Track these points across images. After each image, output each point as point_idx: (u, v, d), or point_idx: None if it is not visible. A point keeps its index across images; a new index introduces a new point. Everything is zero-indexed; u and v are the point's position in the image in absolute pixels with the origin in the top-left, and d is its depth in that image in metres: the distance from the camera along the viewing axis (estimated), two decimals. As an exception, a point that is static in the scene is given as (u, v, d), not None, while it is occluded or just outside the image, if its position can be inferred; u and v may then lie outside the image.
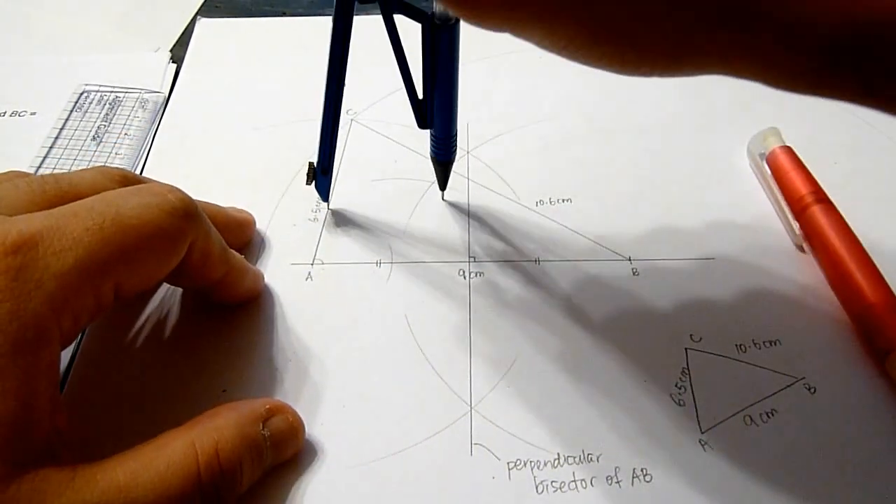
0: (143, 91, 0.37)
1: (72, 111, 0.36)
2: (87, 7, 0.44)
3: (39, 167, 0.34)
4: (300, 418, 0.23)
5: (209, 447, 0.20)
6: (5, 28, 0.42)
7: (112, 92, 0.37)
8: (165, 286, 0.28)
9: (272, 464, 0.22)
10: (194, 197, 0.23)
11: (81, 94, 0.37)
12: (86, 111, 0.36)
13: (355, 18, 0.24)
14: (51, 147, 0.34)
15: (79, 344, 0.27)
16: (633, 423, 0.24)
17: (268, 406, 0.22)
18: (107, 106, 0.36)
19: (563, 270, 0.29)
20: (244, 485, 0.21)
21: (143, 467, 0.19)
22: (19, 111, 0.37)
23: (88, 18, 0.43)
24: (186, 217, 0.22)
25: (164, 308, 0.28)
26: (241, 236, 0.29)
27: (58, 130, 0.35)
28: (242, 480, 0.21)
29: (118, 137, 0.35)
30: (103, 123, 0.36)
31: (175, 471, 0.19)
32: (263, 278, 0.28)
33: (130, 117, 0.36)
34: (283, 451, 0.23)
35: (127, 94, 0.37)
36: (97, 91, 0.37)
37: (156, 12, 0.43)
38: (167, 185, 0.23)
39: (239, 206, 0.30)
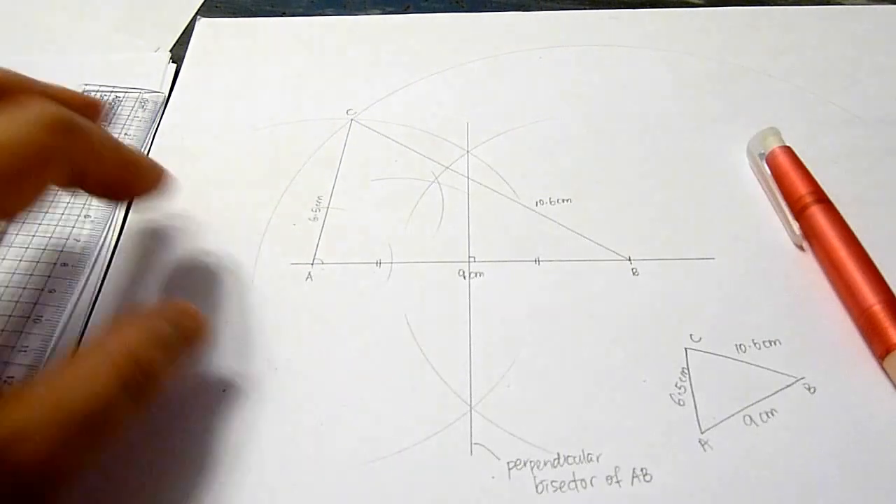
0: (143, 91, 0.37)
1: (72, 111, 0.36)
2: (87, 7, 0.44)
3: (39, 167, 0.34)
4: (197, 309, 0.24)
5: (122, 348, 0.20)
6: (6, 28, 0.42)
7: (112, 92, 0.37)
8: (165, 287, 0.28)
9: (185, 350, 0.23)
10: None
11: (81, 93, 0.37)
12: (86, 111, 0.36)
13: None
14: (51, 147, 0.34)
15: (78, 344, 0.26)
16: (633, 423, 0.24)
17: (167, 304, 0.23)
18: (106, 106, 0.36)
19: (563, 270, 0.29)
20: (163, 376, 0.21)
21: (68, 380, 0.19)
22: (19, 111, 0.37)
23: (88, 18, 0.43)
24: (65, 132, 0.21)
25: (164, 308, 0.28)
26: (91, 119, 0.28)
27: (58, 130, 0.35)
28: (160, 372, 0.21)
29: (118, 137, 0.35)
30: (103, 123, 0.35)
31: (98, 372, 0.19)
32: (165, 171, 0.27)
33: (130, 117, 0.36)
34: (191, 337, 0.23)
35: (127, 94, 0.37)
36: (97, 91, 0.37)
37: (156, 12, 0.43)
38: (40, 98, 0.22)
39: (239, 206, 0.30)
